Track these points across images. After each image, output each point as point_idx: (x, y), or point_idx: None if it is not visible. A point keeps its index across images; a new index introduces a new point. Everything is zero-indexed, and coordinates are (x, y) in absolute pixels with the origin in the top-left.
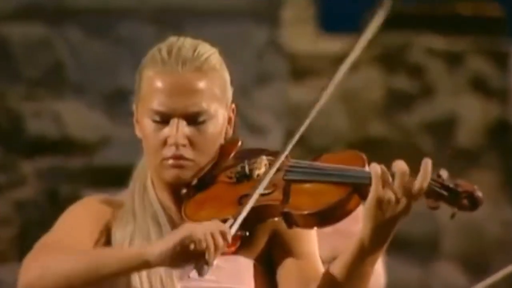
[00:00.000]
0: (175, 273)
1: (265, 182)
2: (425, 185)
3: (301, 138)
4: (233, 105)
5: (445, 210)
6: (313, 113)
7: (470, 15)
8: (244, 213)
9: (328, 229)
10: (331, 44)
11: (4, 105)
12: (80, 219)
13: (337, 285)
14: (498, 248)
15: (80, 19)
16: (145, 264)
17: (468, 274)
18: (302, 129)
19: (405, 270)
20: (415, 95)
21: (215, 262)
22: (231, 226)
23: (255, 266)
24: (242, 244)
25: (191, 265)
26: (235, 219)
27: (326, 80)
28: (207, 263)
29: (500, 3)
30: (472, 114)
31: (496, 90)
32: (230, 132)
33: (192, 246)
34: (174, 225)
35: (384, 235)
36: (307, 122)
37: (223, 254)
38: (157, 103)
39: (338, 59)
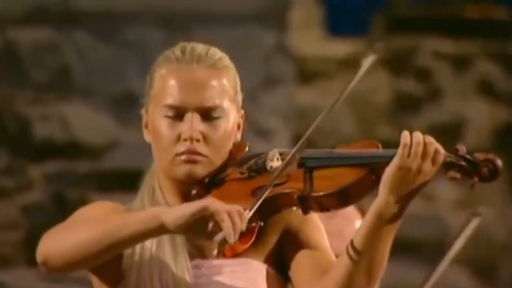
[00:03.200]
0: (188, 277)
1: (283, 168)
2: (432, 149)
3: (309, 141)
4: (243, 111)
5: (453, 214)
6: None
7: (477, 18)
8: (263, 197)
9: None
10: (338, 47)
11: (12, 109)
12: (94, 210)
13: (357, 257)
14: (505, 251)
15: (87, 23)
16: (161, 227)
17: (475, 277)
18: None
19: (413, 273)
20: (422, 98)
21: (233, 239)
22: (250, 210)
23: (268, 271)
24: (255, 245)
25: (205, 238)
26: (252, 205)
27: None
28: (225, 239)
29: (508, 6)
30: (480, 117)
31: (504, 93)
32: (239, 137)
33: (209, 217)
34: None
35: (400, 206)
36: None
37: (238, 255)
38: (171, 98)
39: (345, 63)
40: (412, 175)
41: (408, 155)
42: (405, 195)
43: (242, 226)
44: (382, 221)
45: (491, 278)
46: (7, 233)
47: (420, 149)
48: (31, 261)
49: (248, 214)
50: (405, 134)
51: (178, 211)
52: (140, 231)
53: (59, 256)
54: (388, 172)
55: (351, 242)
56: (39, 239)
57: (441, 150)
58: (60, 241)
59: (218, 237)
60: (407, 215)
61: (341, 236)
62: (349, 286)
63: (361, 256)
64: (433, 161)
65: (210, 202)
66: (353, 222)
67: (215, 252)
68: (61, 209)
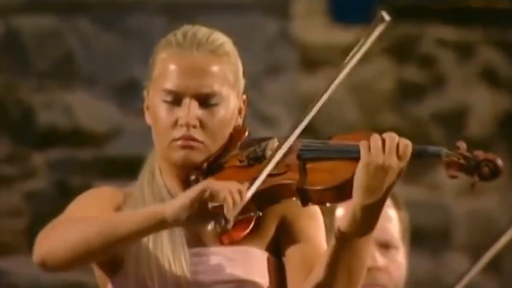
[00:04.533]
0: (186, 264)
1: (281, 152)
2: (393, 143)
3: (312, 129)
4: (244, 96)
5: (456, 202)
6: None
7: (480, 6)
8: (260, 178)
9: None
10: (342, 35)
11: (15, 96)
12: (92, 201)
13: (334, 264)
14: (509, 239)
15: (90, 10)
16: (162, 222)
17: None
18: (312, 113)
19: (416, 262)
20: (426, 86)
21: (231, 221)
22: (248, 189)
23: (269, 259)
24: (253, 233)
25: (206, 222)
26: (251, 183)
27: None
28: (225, 219)
29: None
30: (483, 105)
31: (507, 80)
32: (240, 122)
33: (209, 200)
34: None
35: (374, 208)
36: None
37: (236, 243)
38: (169, 83)
39: (349, 50)
40: (381, 172)
41: (369, 150)
42: (378, 194)
43: (242, 202)
44: (358, 224)
45: (495, 265)
46: (10, 220)
47: (379, 143)
48: None
49: (248, 192)
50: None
51: (176, 202)
52: (140, 228)
53: (57, 255)
54: (357, 173)
55: (328, 250)
56: (43, 226)
57: (407, 143)
58: (57, 241)
59: (219, 217)
60: (411, 203)
61: None
62: None
63: (338, 264)
64: (399, 156)
65: (208, 183)
66: None
67: (216, 230)
68: (64, 196)
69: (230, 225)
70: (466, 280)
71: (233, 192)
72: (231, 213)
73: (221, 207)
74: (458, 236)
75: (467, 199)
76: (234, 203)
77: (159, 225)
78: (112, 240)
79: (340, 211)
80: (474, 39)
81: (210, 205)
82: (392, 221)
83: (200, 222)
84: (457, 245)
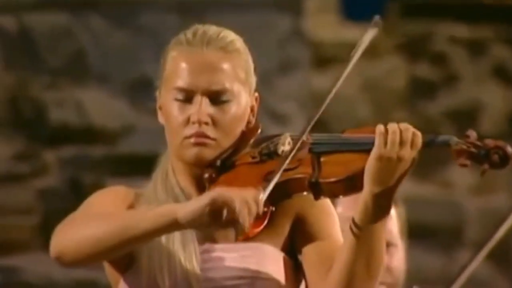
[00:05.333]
0: (196, 260)
1: (293, 153)
2: (409, 134)
3: (324, 126)
4: (256, 94)
5: (468, 199)
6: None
7: (492, 3)
8: (275, 179)
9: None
10: (354, 32)
11: (27, 94)
12: (106, 199)
13: (352, 255)
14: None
15: (102, 8)
16: (175, 223)
17: (491, 262)
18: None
19: (428, 258)
20: (438, 83)
21: (247, 227)
22: (263, 194)
23: (284, 257)
24: (266, 231)
25: (221, 228)
26: (265, 187)
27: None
28: (242, 226)
29: None
30: (495, 102)
31: None
32: (253, 120)
33: (222, 206)
34: None
35: (385, 198)
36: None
37: (249, 239)
38: (180, 81)
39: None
40: (394, 164)
41: (385, 144)
42: (389, 184)
43: (258, 210)
44: (370, 215)
45: (507, 262)
46: (22, 218)
47: (397, 136)
48: (46, 246)
49: (263, 198)
50: (379, 126)
51: (189, 206)
52: (154, 227)
53: (73, 251)
54: (369, 164)
55: (344, 243)
56: (55, 224)
57: (418, 133)
58: (74, 236)
59: (235, 224)
60: (424, 201)
61: None
62: (351, 285)
63: (356, 255)
64: (412, 146)
65: (219, 192)
66: None
67: (232, 238)
68: (76, 193)
69: (243, 231)
70: (469, 271)
71: (249, 202)
72: (247, 223)
73: (235, 214)
74: (470, 233)
75: (479, 197)
76: (250, 212)
77: (172, 225)
78: (126, 239)
79: (340, 209)
80: (486, 36)
81: (224, 213)
82: (391, 219)
83: (213, 225)
84: (469, 242)
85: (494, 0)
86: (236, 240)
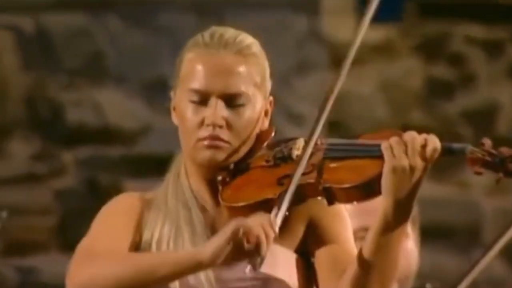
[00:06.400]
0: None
1: (305, 160)
2: (432, 145)
3: (341, 126)
4: (271, 98)
5: (486, 200)
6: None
7: (509, 3)
8: (287, 199)
9: (357, 208)
10: (371, 33)
11: (45, 94)
12: (114, 216)
13: (368, 265)
14: None
15: (120, 8)
16: (199, 265)
17: (508, 262)
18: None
19: (446, 258)
20: (455, 84)
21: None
22: (276, 215)
23: (297, 260)
24: (280, 234)
25: (244, 260)
26: (279, 207)
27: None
28: (260, 255)
29: None
30: None
31: None
32: (266, 124)
33: (244, 238)
34: (205, 213)
35: (405, 206)
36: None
37: None
38: (196, 83)
39: (378, 49)
40: (408, 173)
41: (394, 156)
42: (407, 195)
43: (275, 232)
44: (389, 226)
45: None
46: (40, 218)
47: (402, 146)
48: (64, 247)
49: (278, 218)
50: (384, 142)
51: (212, 245)
52: (176, 272)
53: None
54: (384, 176)
55: (360, 251)
56: (72, 224)
57: (431, 143)
58: (94, 276)
59: (254, 255)
60: (441, 201)
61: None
62: None
63: (372, 264)
64: (423, 155)
65: (240, 221)
66: None
67: (252, 268)
68: (93, 194)
69: (264, 260)
70: (479, 268)
71: (265, 227)
72: (265, 250)
73: (255, 242)
74: (487, 233)
75: (496, 197)
76: (268, 237)
77: (195, 268)
78: (149, 282)
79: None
80: (503, 37)
81: (245, 245)
82: None
83: (236, 259)
84: (486, 242)
85: (511, 0)
86: (256, 269)
